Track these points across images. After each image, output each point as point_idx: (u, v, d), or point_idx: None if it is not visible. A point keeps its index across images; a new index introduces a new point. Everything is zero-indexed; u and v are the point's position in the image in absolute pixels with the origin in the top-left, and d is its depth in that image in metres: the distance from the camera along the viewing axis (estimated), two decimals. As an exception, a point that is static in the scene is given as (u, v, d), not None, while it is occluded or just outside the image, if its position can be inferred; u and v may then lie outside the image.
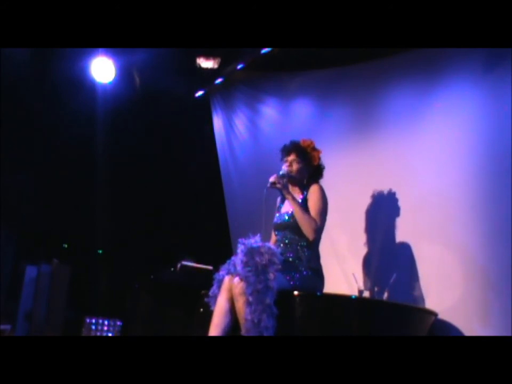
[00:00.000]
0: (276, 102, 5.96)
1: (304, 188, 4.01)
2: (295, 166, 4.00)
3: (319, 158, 4.07)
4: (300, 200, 3.92)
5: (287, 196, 3.85)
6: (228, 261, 3.70)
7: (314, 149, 4.07)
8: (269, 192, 3.89)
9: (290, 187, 4.01)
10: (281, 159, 4.08)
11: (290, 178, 4.00)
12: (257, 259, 3.44)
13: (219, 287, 3.65)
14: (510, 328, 3.65)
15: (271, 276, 3.42)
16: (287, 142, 4.11)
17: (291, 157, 4.02)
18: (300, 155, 4.02)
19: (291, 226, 3.86)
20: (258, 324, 3.32)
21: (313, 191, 3.92)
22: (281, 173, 3.94)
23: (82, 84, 5.76)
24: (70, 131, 5.91)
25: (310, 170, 4.06)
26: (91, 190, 6.42)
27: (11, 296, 5.57)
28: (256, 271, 3.41)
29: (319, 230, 3.82)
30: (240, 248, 3.54)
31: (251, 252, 3.47)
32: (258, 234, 3.61)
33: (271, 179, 3.84)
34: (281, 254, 3.69)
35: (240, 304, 3.44)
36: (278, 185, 3.83)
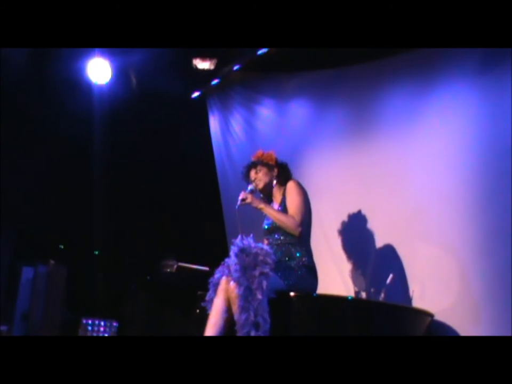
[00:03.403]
0: (272, 103, 5.96)
1: (281, 190, 4.07)
2: (257, 177, 4.10)
3: (274, 157, 4.15)
4: (280, 203, 3.99)
5: (258, 206, 3.91)
6: (222, 264, 3.70)
7: (263, 154, 4.17)
8: (242, 209, 3.93)
9: (273, 194, 4.11)
10: (247, 182, 4.17)
11: (262, 190, 4.11)
12: (248, 260, 3.45)
13: (215, 291, 3.64)
14: (506, 328, 3.67)
15: (263, 276, 3.43)
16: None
17: (251, 174, 4.14)
18: (256, 167, 4.13)
19: (277, 228, 3.90)
20: (244, 325, 3.33)
21: (289, 188, 3.97)
22: (249, 188, 4.04)
23: (79, 85, 5.75)
24: (67, 132, 5.90)
25: (272, 173, 4.13)
26: (87, 191, 6.41)
27: (8, 297, 5.56)
28: (247, 272, 3.41)
29: (301, 224, 3.83)
30: (233, 250, 3.55)
31: (242, 253, 3.48)
32: (251, 235, 3.62)
33: (240, 196, 3.92)
34: (274, 255, 3.71)
35: (235, 307, 3.43)
36: (248, 200, 3.89)
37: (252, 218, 4.21)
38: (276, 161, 4.16)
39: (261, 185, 4.10)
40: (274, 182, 4.12)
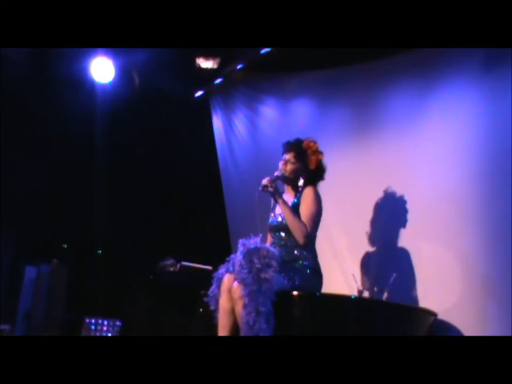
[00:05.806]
0: (275, 102, 5.95)
1: (298, 189, 3.96)
2: (289, 167, 3.95)
3: (318, 162, 3.96)
4: (292, 203, 3.88)
5: (278, 199, 3.80)
6: (227, 260, 3.70)
7: (314, 152, 3.97)
8: (262, 194, 3.84)
9: (285, 186, 4.00)
10: (282, 153, 4.01)
11: (285, 179, 3.97)
12: (255, 261, 3.44)
13: (218, 286, 3.65)
14: (509, 328, 3.66)
15: (268, 278, 3.42)
16: (291, 138, 4.05)
17: (288, 156, 3.97)
18: (298, 156, 3.95)
19: (286, 227, 3.83)
20: (253, 326, 3.32)
21: (306, 194, 3.87)
22: (275, 174, 3.90)
23: (82, 84, 5.75)
24: (69, 131, 5.90)
25: (306, 173, 3.98)
26: (90, 190, 6.40)
27: (10, 296, 5.56)
28: (253, 273, 3.40)
29: (309, 235, 3.78)
30: (239, 249, 3.54)
31: (249, 254, 3.46)
32: (260, 235, 3.62)
33: (264, 181, 3.78)
34: (279, 255, 3.69)
35: (239, 307, 3.44)
36: (270, 189, 3.77)
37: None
38: (317, 166, 3.96)
39: (288, 175, 3.95)
40: (301, 181, 3.96)
